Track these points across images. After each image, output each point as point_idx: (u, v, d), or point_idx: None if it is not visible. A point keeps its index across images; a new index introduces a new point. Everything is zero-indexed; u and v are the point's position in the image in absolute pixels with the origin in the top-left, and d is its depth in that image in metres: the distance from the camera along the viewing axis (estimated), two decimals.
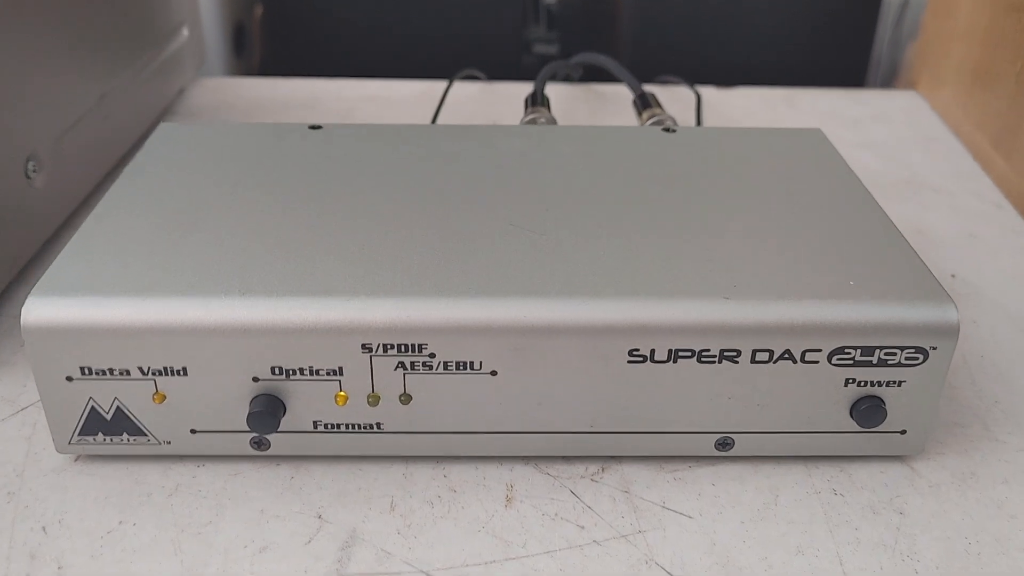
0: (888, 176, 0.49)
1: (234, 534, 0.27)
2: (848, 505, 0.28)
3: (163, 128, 0.38)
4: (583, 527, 0.27)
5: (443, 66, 0.83)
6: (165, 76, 0.54)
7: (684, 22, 0.77)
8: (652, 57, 0.83)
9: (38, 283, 0.27)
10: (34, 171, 0.39)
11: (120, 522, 0.27)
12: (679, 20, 0.77)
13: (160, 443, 0.29)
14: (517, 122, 0.50)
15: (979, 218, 0.45)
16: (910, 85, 0.62)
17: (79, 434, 0.29)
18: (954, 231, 0.44)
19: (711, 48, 0.81)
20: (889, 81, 0.84)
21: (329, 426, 0.29)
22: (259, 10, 1.01)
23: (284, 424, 0.28)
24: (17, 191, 0.37)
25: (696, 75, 0.66)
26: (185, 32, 0.57)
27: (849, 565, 0.26)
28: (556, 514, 0.28)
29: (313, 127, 0.38)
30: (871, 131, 0.54)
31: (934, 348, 0.28)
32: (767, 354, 0.27)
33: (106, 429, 0.28)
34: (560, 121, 0.51)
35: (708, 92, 0.59)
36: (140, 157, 0.35)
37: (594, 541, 0.27)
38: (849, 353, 0.28)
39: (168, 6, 0.54)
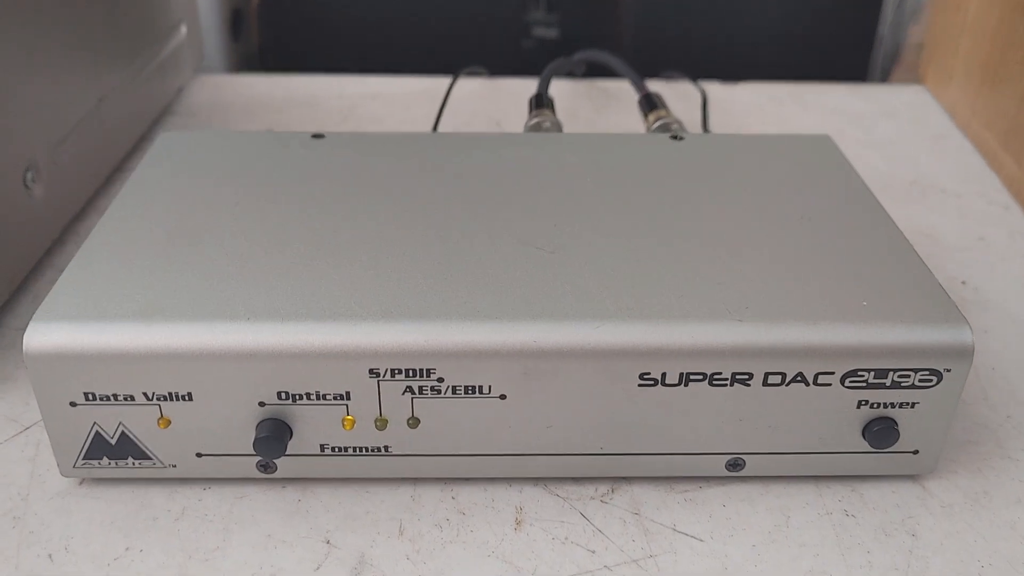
0: (896, 177, 0.49)
1: (242, 560, 0.27)
2: (860, 527, 0.28)
3: (163, 138, 0.37)
4: (593, 551, 0.27)
5: (442, 50, 0.82)
6: (164, 76, 0.53)
7: (686, 5, 0.76)
8: (654, 42, 0.82)
9: (40, 308, 0.27)
10: (33, 181, 0.38)
11: (127, 548, 0.27)
12: (681, 3, 0.76)
13: (165, 466, 0.29)
14: (520, 120, 0.49)
15: (988, 221, 0.45)
16: (917, 78, 0.61)
17: (83, 458, 0.28)
18: (963, 235, 0.44)
19: (713, 33, 0.80)
20: (892, 64, 0.83)
21: (336, 449, 0.28)
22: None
23: (291, 447, 0.28)
24: (16, 202, 0.37)
25: (698, 61, 0.65)
26: (184, 30, 0.56)
27: None
28: (566, 538, 0.28)
29: (316, 136, 0.37)
30: (879, 129, 0.54)
31: (948, 370, 0.27)
32: (779, 377, 0.27)
33: (111, 453, 0.28)
34: (564, 119, 0.51)
35: (712, 88, 0.58)
36: (140, 170, 0.35)
37: (605, 567, 0.27)
38: (862, 376, 0.27)
39: (166, 4, 0.53)
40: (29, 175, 0.38)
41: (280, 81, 0.59)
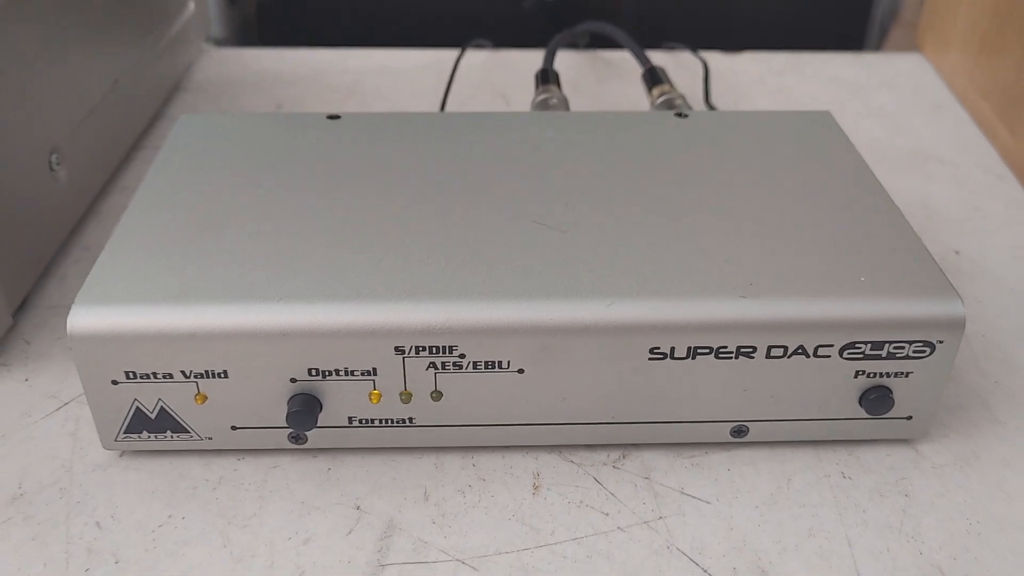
0: (894, 147, 0.50)
1: (278, 526, 0.29)
2: (856, 488, 0.30)
3: (184, 120, 0.38)
4: (607, 514, 0.29)
5: (441, 13, 0.82)
6: (174, 53, 0.54)
7: None
8: (654, 8, 0.83)
9: (80, 292, 0.28)
10: (57, 163, 0.39)
11: (169, 516, 0.29)
12: None
13: (202, 439, 0.30)
14: (526, 93, 0.50)
15: (984, 191, 0.46)
16: (915, 46, 0.62)
17: (124, 432, 0.30)
18: (958, 205, 0.45)
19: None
20: (890, 22, 0.83)
21: (363, 421, 0.30)
22: None
23: (320, 420, 0.30)
24: (43, 185, 0.38)
25: (696, 26, 0.65)
26: (191, 6, 0.56)
27: (857, 547, 0.28)
28: (581, 501, 0.29)
29: (331, 116, 0.39)
30: (877, 98, 0.55)
31: (941, 342, 0.29)
32: (782, 350, 0.29)
33: (150, 427, 0.30)
34: (568, 91, 0.52)
35: (714, 58, 0.59)
36: (164, 154, 0.36)
37: (618, 528, 0.29)
38: (859, 348, 0.29)
39: None
40: (54, 158, 0.39)
41: (286, 55, 0.60)
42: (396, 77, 0.57)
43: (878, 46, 0.88)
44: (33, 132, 0.37)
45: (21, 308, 0.37)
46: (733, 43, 0.62)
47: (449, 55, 0.59)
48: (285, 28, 0.90)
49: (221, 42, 0.84)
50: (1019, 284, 0.39)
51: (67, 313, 0.35)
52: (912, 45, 0.62)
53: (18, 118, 0.36)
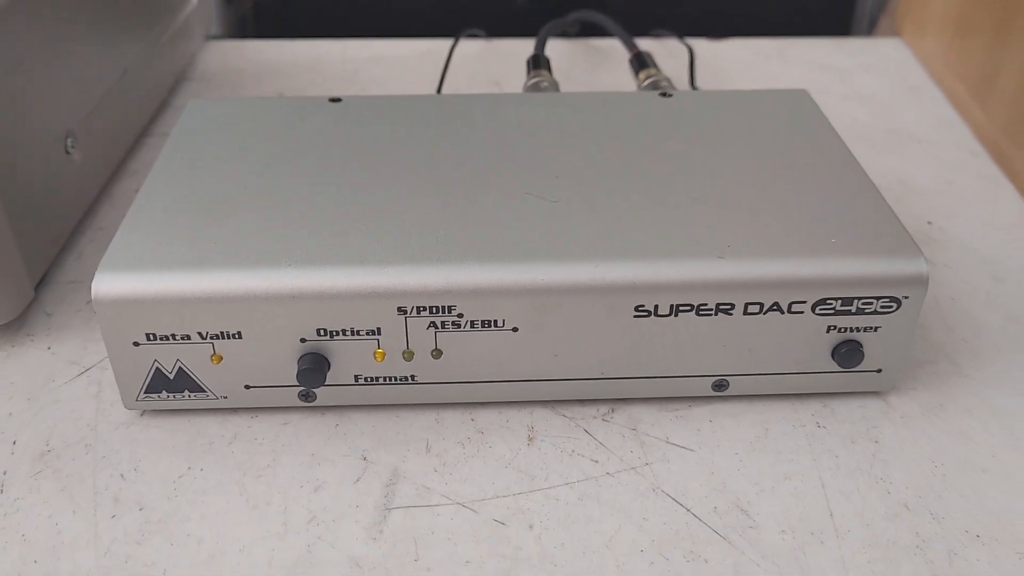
0: (874, 127, 0.52)
1: (290, 476, 0.31)
2: (830, 436, 0.32)
3: (192, 105, 0.40)
4: (597, 461, 0.31)
5: (436, 6, 0.84)
6: (178, 44, 0.56)
7: None
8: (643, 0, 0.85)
9: (103, 260, 0.30)
10: (72, 147, 0.41)
11: (188, 468, 0.31)
12: None
13: (217, 398, 0.32)
14: (519, 80, 0.53)
15: (956, 166, 0.48)
16: (896, 31, 0.64)
17: (145, 392, 0.32)
18: (933, 179, 0.47)
19: None
20: (878, 18, 0.85)
21: (369, 379, 0.32)
22: None
23: (328, 378, 0.32)
24: (59, 167, 0.40)
25: (687, 18, 0.67)
26: (194, 0, 0.59)
27: (830, 488, 0.30)
28: (573, 451, 0.31)
29: (333, 100, 0.41)
30: (859, 81, 0.57)
31: (906, 297, 0.31)
32: (758, 306, 0.31)
33: (169, 387, 0.32)
34: (560, 78, 0.54)
35: (700, 45, 0.61)
36: (176, 135, 0.38)
37: (607, 473, 0.31)
38: (830, 304, 0.31)
39: None
40: (69, 142, 0.41)
41: (286, 46, 0.62)
42: (393, 66, 0.59)
43: (867, 35, 0.90)
44: (50, 117, 0.39)
45: (42, 283, 0.39)
46: (721, 33, 0.65)
47: (444, 45, 0.61)
48: (281, 26, 0.92)
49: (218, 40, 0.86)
50: (987, 251, 0.42)
51: (85, 288, 0.38)
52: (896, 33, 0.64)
53: (36, 103, 0.38)
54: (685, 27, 0.62)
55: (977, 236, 0.43)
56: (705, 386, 0.33)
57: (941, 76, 0.56)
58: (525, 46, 0.60)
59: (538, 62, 0.50)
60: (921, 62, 0.59)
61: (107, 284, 0.30)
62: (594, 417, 0.33)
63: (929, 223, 0.44)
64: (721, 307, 0.31)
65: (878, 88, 0.56)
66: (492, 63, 0.59)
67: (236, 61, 0.60)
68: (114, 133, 0.46)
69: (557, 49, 0.60)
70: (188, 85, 0.57)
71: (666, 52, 0.59)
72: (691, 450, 0.32)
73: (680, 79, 0.55)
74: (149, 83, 0.51)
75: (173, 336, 0.31)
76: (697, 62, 0.58)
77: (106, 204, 0.45)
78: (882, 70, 0.58)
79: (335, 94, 0.55)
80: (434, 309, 0.30)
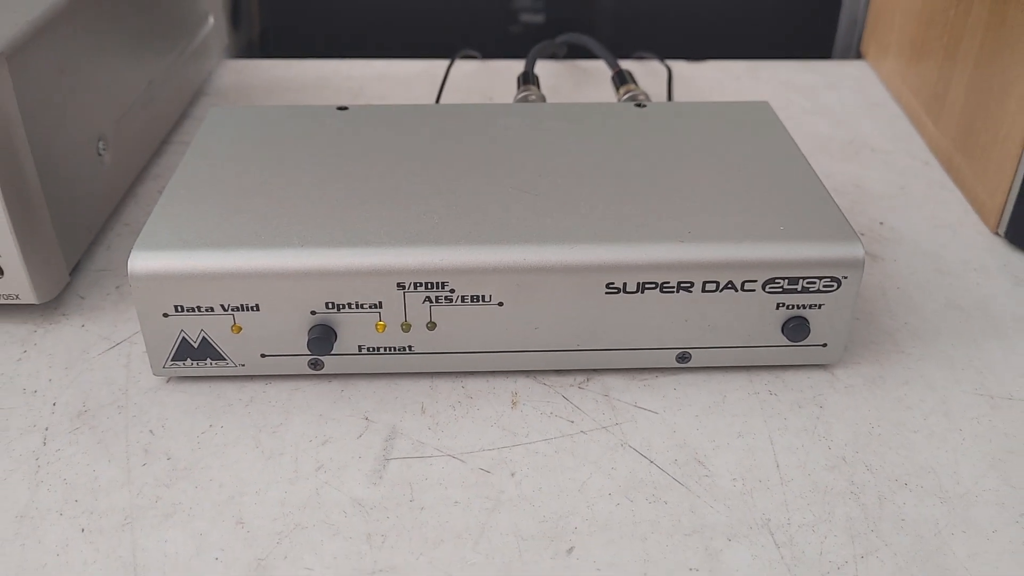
0: (835, 138, 0.56)
1: (300, 432, 0.35)
2: (780, 402, 0.36)
3: (214, 112, 0.45)
4: (573, 421, 0.35)
5: (433, 38, 0.89)
6: (197, 61, 0.60)
7: None
8: (632, 25, 0.90)
9: (137, 241, 0.35)
10: (104, 149, 0.45)
11: (210, 425, 0.35)
12: None
13: (236, 365, 0.36)
14: (511, 97, 0.57)
15: (909, 174, 0.53)
16: (861, 54, 0.69)
17: (171, 360, 0.36)
18: (887, 185, 0.51)
19: (686, 16, 0.87)
20: (854, 46, 0.90)
21: (371, 349, 0.36)
22: None
23: (335, 348, 0.36)
24: (91, 167, 0.44)
25: (672, 42, 0.72)
26: (211, 20, 0.63)
27: (778, 444, 0.34)
28: (552, 413, 0.35)
29: (340, 108, 0.45)
30: (823, 98, 0.62)
31: (845, 277, 0.35)
32: (715, 284, 0.35)
33: (193, 355, 0.36)
34: (548, 95, 0.58)
35: (679, 66, 0.66)
36: (200, 136, 0.42)
37: (581, 431, 0.35)
38: (779, 283, 0.35)
39: None
40: (101, 144, 0.45)
41: (295, 65, 0.67)
42: (394, 83, 0.64)
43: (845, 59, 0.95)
44: (85, 120, 0.43)
45: (75, 270, 0.43)
46: (704, 57, 0.69)
47: (441, 64, 0.65)
48: (286, 51, 0.97)
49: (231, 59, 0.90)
50: (931, 248, 0.46)
51: (113, 275, 0.42)
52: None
53: (74, 108, 0.42)
54: (669, 51, 0.67)
55: (924, 234, 0.47)
56: (670, 358, 0.37)
57: (899, 93, 0.60)
58: (517, 66, 0.65)
59: (527, 78, 0.55)
60: (882, 81, 0.63)
61: (141, 261, 0.34)
62: (571, 385, 0.37)
63: (881, 223, 0.48)
64: (682, 285, 0.35)
65: (841, 104, 0.61)
66: (485, 81, 0.64)
67: (248, 78, 0.65)
68: (140, 139, 0.51)
69: (546, 70, 0.65)
70: (205, 99, 0.61)
71: (648, 72, 0.64)
72: (656, 413, 0.36)
73: (659, 96, 0.60)
74: (171, 95, 0.55)
75: (198, 308, 0.35)
76: (675, 81, 0.63)
77: (131, 203, 0.49)
78: (846, 88, 0.63)
79: (349, 104, 0.60)
80: (429, 285, 0.34)
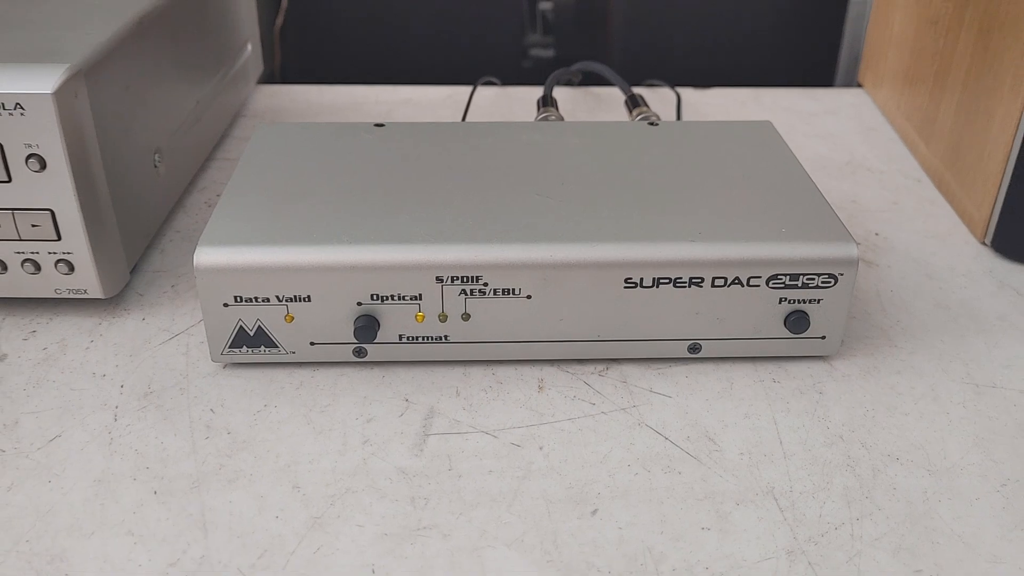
0: (833, 159, 0.60)
1: (347, 411, 0.38)
2: (783, 388, 0.40)
3: (260, 127, 0.49)
4: (594, 403, 0.38)
5: (453, 71, 0.95)
6: (236, 85, 0.65)
7: (669, 27, 0.88)
8: (639, 58, 0.95)
9: (202, 237, 0.38)
10: (159, 162, 0.50)
11: (265, 405, 0.38)
12: (664, 25, 0.88)
13: (287, 353, 0.40)
14: (530, 118, 0.61)
15: (902, 191, 0.56)
16: (859, 82, 0.73)
17: (229, 347, 0.40)
18: (881, 200, 0.55)
19: (693, 49, 0.92)
20: (854, 74, 0.95)
21: (410, 338, 0.40)
22: (280, 21, 1.13)
23: (378, 337, 0.39)
24: (149, 178, 0.48)
25: (679, 74, 0.77)
26: (249, 48, 0.68)
27: (781, 424, 0.37)
28: (575, 396, 0.39)
29: (377, 125, 0.49)
30: (823, 123, 0.66)
31: (841, 274, 0.39)
32: (723, 280, 0.39)
33: (249, 343, 0.39)
34: (565, 118, 0.63)
35: (688, 93, 0.70)
36: (251, 149, 0.46)
37: (602, 412, 0.38)
38: (781, 279, 0.39)
39: (238, 27, 0.65)
40: (156, 157, 0.49)
41: (326, 90, 0.71)
42: (421, 107, 0.68)
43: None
44: (145, 135, 0.48)
45: (134, 270, 0.47)
46: (711, 85, 0.74)
47: (463, 91, 0.70)
48: (308, 80, 1.01)
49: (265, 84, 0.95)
50: (921, 256, 0.49)
51: (168, 276, 0.46)
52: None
53: (135, 123, 0.46)
54: (677, 78, 0.71)
55: (915, 244, 0.51)
56: (682, 348, 0.40)
57: (894, 118, 0.64)
58: (535, 92, 0.69)
59: (547, 101, 0.59)
60: (878, 107, 0.68)
61: (206, 256, 0.38)
62: (592, 373, 0.40)
63: (876, 234, 0.52)
64: (693, 280, 0.39)
65: (839, 128, 0.65)
66: (505, 105, 0.68)
67: (282, 102, 0.69)
68: (189, 153, 0.55)
69: (562, 96, 0.69)
70: (243, 120, 0.66)
71: (658, 98, 0.68)
72: (670, 397, 0.39)
73: (669, 119, 0.64)
74: (215, 115, 0.60)
75: (255, 299, 0.38)
76: (684, 107, 0.67)
77: (181, 212, 0.53)
78: (844, 114, 0.67)
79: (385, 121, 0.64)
80: (465, 279, 0.38)
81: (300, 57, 1.09)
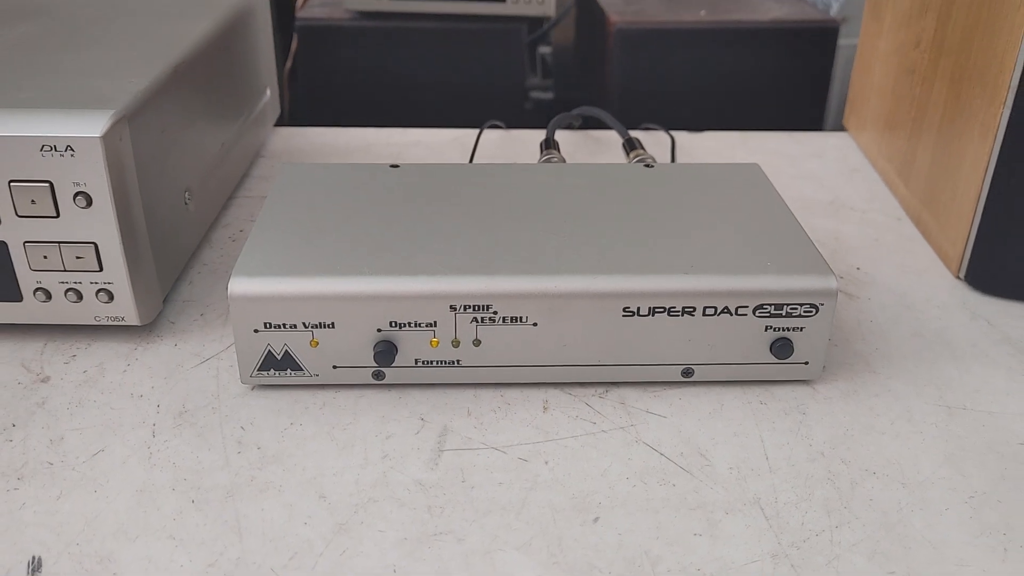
0: (818, 198, 0.64)
1: (367, 429, 0.41)
2: (769, 409, 0.43)
3: (284, 167, 0.52)
4: (595, 423, 0.42)
5: (452, 116, 0.99)
6: (257, 127, 0.69)
7: (663, 73, 0.93)
8: (635, 102, 0.99)
9: (235, 268, 0.42)
10: (189, 199, 0.53)
11: (291, 423, 0.42)
12: (659, 71, 0.93)
13: (311, 376, 0.43)
14: (534, 161, 0.65)
15: (883, 228, 0.60)
16: (843, 126, 0.77)
17: (258, 369, 0.43)
18: (863, 237, 0.59)
19: (686, 93, 0.96)
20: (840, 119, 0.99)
21: (425, 362, 0.43)
22: (288, 65, 1.17)
23: (396, 361, 0.43)
24: (180, 214, 0.52)
25: (673, 116, 0.81)
26: (268, 93, 0.72)
27: (767, 442, 0.41)
28: (577, 416, 0.42)
29: (393, 166, 0.53)
30: (808, 165, 0.70)
31: (822, 304, 0.42)
32: (713, 309, 0.42)
33: (276, 366, 0.43)
34: (567, 160, 0.67)
35: (681, 136, 0.74)
36: (277, 187, 0.50)
37: (602, 431, 0.41)
38: (767, 308, 0.42)
39: (258, 73, 0.69)
40: (187, 195, 0.53)
41: (339, 132, 0.75)
42: (430, 148, 0.72)
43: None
44: (178, 174, 0.51)
45: (166, 300, 0.51)
46: (705, 129, 0.78)
47: (469, 133, 0.74)
48: (316, 122, 1.06)
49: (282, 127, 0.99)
50: (900, 288, 0.53)
51: (197, 305, 0.49)
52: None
53: (169, 163, 0.50)
54: (671, 123, 0.75)
55: (894, 277, 0.54)
56: (676, 373, 0.44)
57: (875, 160, 0.68)
58: (537, 134, 0.73)
59: (549, 144, 0.63)
60: (861, 150, 0.72)
61: (239, 285, 0.41)
62: (593, 395, 0.44)
63: (858, 268, 0.55)
64: (686, 309, 0.42)
65: (824, 170, 0.69)
66: (510, 147, 0.72)
67: (298, 143, 0.73)
68: (215, 192, 0.58)
69: (562, 139, 0.73)
70: (263, 160, 0.69)
71: (654, 141, 0.72)
72: (665, 417, 0.42)
73: (663, 160, 0.68)
74: (238, 156, 0.63)
75: (283, 325, 0.42)
76: (677, 149, 0.71)
77: (207, 247, 0.57)
78: (829, 156, 0.71)
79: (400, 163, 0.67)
80: (476, 307, 0.42)
81: (309, 101, 1.13)
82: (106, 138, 0.42)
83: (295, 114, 1.17)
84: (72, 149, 0.42)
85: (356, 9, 1.04)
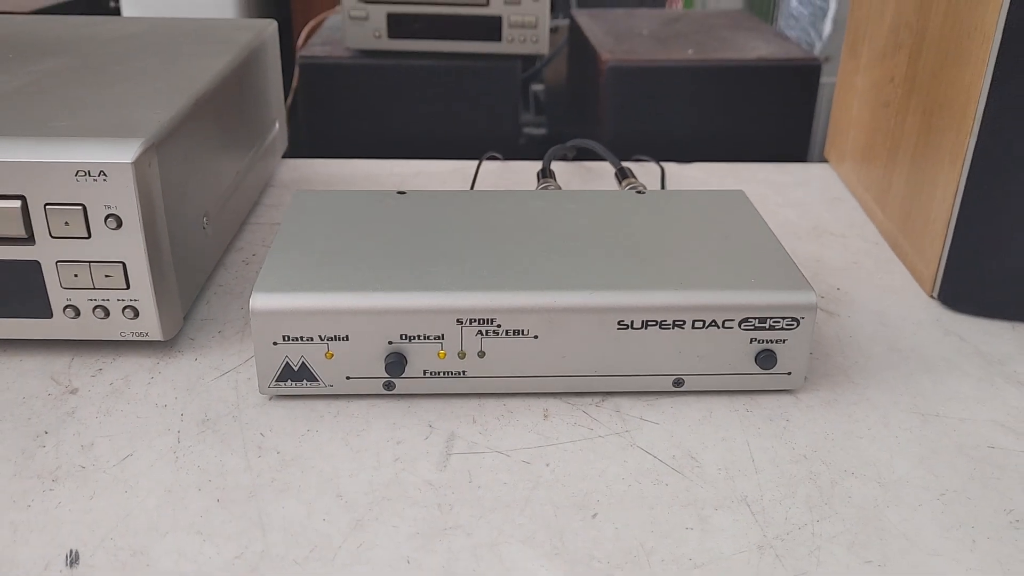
0: (801, 225, 0.68)
1: (379, 435, 0.44)
2: (754, 416, 0.46)
3: (297, 194, 0.56)
4: (592, 429, 0.45)
5: (454, 150, 1.03)
6: (267, 158, 0.72)
7: (654, 109, 0.97)
8: (626, 137, 1.03)
9: (255, 285, 0.45)
10: (207, 224, 0.56)
11: (308, 430, 0.44)
12: (650, 107, 0.97)
13: (326, 386, 0.46)
14: (533, 189, 0.68)
15: (862, 252, 0.64)
16: (824, 158, 0.81)
17: (276, 380, 0.46)
18: (843, 260, 0.62)
19: (675, 128, 1.00)
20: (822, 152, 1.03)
21: (433, 373, 0.46)
22: (289, 100, 1.21)
23: (405, 372, 0.45)
24: (199, 238, 0.55)
25: (663, 150, 0.85)
26: (277, 125, 0.75)
27: (753, 445, 0.44)
28: (575, 423, 0.45)
29: (400, 192, 0.56)
30: (792, 193, 0.73)
31: (803, 318, 0.45)
32: (701, 323, 0.45)
33: (293, 376, 0.46)
34: (563, 188, 0.70)
35: (671, 167, 0.78)
36: (291, 211, 0.53)
37: (599, 436, 0.44)
38: (751, 322, 0.45)
39: (268, 107, 0.72)
40: (205, 220, 0.56)
41: (345, 164, 0.79)
42: (432, 178, 0.75)
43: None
44: (198, 200, 0.54)
45: (185, 318, 0.53)
46: (695, 160, 0.81)
47: (469, 164, 0.77)
48: (317, 155, 1.09)
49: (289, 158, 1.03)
50: (877, 307, 0.56)
51: (215, 323, 0.52)
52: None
53: (190, 189, 0.53)
54: (661, 156, 0.79)
55: (872, 297, 0.57)
56: (667, 383, 0.47)
57: (855, 189, 0.72)
58: (533, 165, 0.77)
59: (546, 173, 0.66)
60: (842, 179, 0.75)
61: (260, 301, 0.44)
62: (590, 404, 0.46)
63: (838, 289, 0.58)
64: (676, 323, 0.45)
65: (807, 198, 0.72)
66: (508, 177, 0.76)
67: (305, 173, 0.77)
68: (230, 218, 0.62)
69: (558, 169, 0.77)
70: (272, 190, 0.73)
71: (644, 172, 0.76)
72: (657, 423, 0.45)
73: (654, 188, 0.72)
74: (250, 184, 0.67)
75: (301, 338, 0.45)
76: (667, 178, 0.75)
77: (222, 270, 0.60)
78: (811, 186, 0.75)
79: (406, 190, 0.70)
80: (481, 321, 0.45)
81: (309, 136, 1.17)
82: (137, 164, 0.45)
83: (295, 149, 1.21)
84: (105, 174, 0.45)
85: (356, 48, 1.07)
